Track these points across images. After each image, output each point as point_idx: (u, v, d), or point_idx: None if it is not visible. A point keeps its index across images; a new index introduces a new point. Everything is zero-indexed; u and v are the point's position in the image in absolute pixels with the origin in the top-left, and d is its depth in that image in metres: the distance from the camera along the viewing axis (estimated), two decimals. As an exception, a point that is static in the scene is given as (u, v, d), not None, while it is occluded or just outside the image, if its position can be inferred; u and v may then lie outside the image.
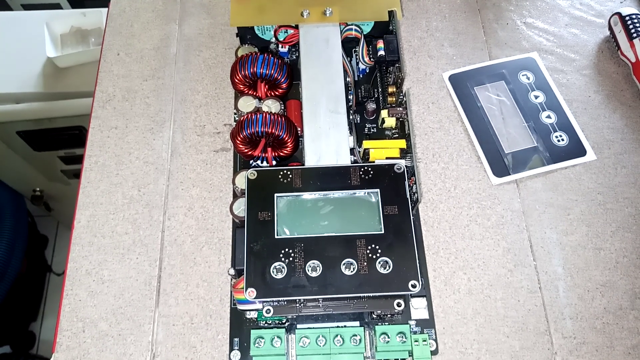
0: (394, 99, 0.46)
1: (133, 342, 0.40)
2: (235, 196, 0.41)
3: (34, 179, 0.96)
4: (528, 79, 0.49)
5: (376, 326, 0.38)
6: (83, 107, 0.78)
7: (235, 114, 0.46)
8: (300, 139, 0.44)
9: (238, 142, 0.42)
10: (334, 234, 0.37)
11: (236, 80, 0.45)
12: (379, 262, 0.36)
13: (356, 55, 0.48)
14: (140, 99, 0.49)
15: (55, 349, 0.40)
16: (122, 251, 0.43)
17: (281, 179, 0.39)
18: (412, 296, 0.40)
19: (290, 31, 0.48)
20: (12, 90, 0.78)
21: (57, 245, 1.01)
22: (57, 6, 0.96)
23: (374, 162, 0.43)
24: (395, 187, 0.39)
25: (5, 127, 0.81)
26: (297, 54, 0.49)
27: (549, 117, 0.47)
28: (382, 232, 0.37)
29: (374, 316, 0.39)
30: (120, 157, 0.47)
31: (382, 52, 0.46)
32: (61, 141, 0.87)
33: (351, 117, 0.45)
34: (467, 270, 0.42)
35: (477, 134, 0.47)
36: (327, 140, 0.43)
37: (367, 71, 0.48)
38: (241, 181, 0.41)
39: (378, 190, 0.39)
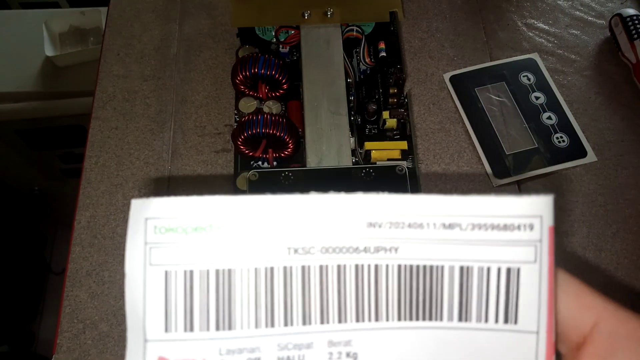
0: (395, 100, 0.46)
1: (134, 343, 0.40)
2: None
3: (33, 178, 0.96)
4: (529, 79, 0.49)
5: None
6: (82, 106, 0.78)
7: (236, 114, 0.46)
8: (301, 140, 0.44)
9: (239, 143, 0.42)
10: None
11: (237, 81, 0.45)
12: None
13: (357, 56, 0.48)
14: (141, 99, 0.49)
15: (55, 350, 0.40)
16: (123, 252, 0.42)
17: (282, 181, 0.39)
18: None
19: (291, 32, 0.48)
20: (11, 89, 0.78)
21: (56, 244, 1.01)
22: (56, 5, 0.96)
23: (375, 163, 0.43)
24: (397, 189, 0.39)
25: (3, 126, 0.81)
26: (298, 55, 0.48)
27: (549, 118, 0.47)
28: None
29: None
30: (121, 157, 0.46)
31: (383, 54, 0.46)
32: (60, 140, 0.87)
33: (352, 118, 0.45)
34: (468, 271, 0.42)
35: (477, 135, 0.47)
36: (328, 142, 0.43)
37: (368, 72, 0.48)
38: (242, 183, 0.41)
39: (380, 191, 0.39)
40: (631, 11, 0.51)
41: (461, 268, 0.16)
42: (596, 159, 0.46)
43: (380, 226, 0.16)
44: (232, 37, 0.52)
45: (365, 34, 0.48)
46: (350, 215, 0.16)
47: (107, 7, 0.55)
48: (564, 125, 0.47)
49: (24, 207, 0.97)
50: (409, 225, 0.16)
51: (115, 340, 0.40)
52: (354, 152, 0.43)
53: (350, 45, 0.48)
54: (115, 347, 0.40)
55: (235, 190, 0.42)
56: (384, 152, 0.43)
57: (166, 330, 0.16)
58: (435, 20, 0.53)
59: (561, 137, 0.47)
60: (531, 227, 0.16)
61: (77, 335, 0.40)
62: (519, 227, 0.16)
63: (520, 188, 0.45)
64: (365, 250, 0.16)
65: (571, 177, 0.46)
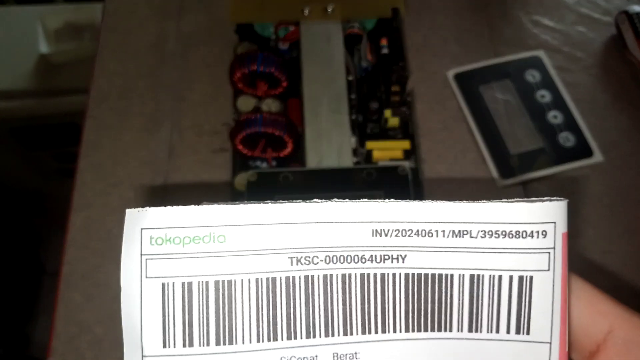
0: (398, 98, 0.45)
1: (129, 348, 0.39)
2: (235, 198, 0.40)
3: (27, 177, 0.95)
4: (534, 77, 0.48)
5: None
6: (77, 104, 0.76)
7: (234, 113, 0.45)
8: (301, 139, 0.43)
9: (237, 142, 0.41)
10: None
11: (235, 79, 0.43)
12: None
13: (358, 53, 0.47)
14: (137, 97, 0.48)
15: (50, 353, 0.39)
16: (118, 254, 0.41)
17: (282, 181, 0.38)
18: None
19: (291, 28, 0.47)
20: (4, 87, 0.77)
21: (51, 245, 1.00)
22: (51, 0, 0.95)
23: (377, 163, 0.42)
24: (399, 190, 0.38)
25: (-3, 124, 0.80)
26: (297, 52, 0.47)
27: (555, 117, 0.46)
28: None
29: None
30: (116, 157, 0.45)
31: (385, 51, 0.45)
32: (55, 139, 0.86)
33: (353, 116, 0.44)
34: (473, 274, 0.41)
35: (482, 135, 0.46)
36: (328, 141, 0.42)
37: (370, 69, 0.47)
38: (241, 183, 0.40)
39: (382, 192, 0.38)
40: (638, 8, 0.50)
41: (471, 277, 0.16)
42: (602, 159, 0.45)
43: (386, 234, 0.16)
44: (230, 33, 0.51)
45: (367, 30, 0.47)
46: (354, 224, 0.16)
47: (102, 3, 0.54)
48: (570, 125, 0.46)
49: (18, 207, 0.96)
50: (417, 233, 0.16)
51: (110, 344, 0.39)
52: (355, 152, 0.42)
53: (351, 42, 0.47)
54: (111, 351, 0.39)
55: (233, 191, 0.41)
56: (386, 151, 0.42)
57: (164, 345, 0.15)
58: (438, 16, 0.52)
59: (567, 136, 0.46)
60: (544, 234, 0.16)
61: (72, 338, 0.39)
62: (531, 235, 0.16)
63: (526, 188, 0.44)
64: (371, 259, 0.16)
65: (577, 178, 0.45)
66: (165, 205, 0.16)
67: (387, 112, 0.44)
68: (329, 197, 0.16)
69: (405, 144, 0.42)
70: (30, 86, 0.77)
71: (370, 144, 0.42)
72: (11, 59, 0.77)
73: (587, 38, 0.51)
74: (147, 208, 0.15)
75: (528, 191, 0.44)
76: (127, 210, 0.15)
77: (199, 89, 0.48)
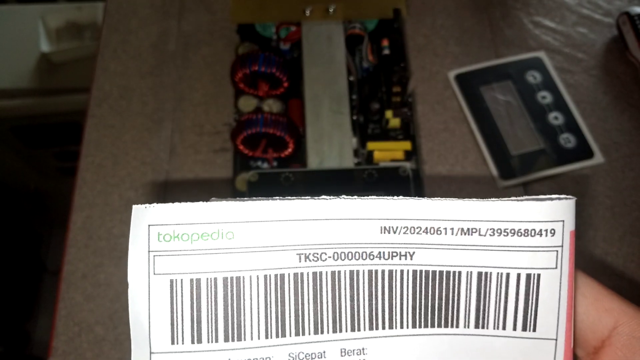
0: (399, 98, 0.45)
1: (130, 347, 0.39)
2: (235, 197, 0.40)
3: (29, 176, 0.95)
4: (535, 78, 0.48)
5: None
6: (78, 103, 0.77)
7: (235, 113, 0.45)
8: (301, 140, 0.43)
9: (238, 142, 0.41)
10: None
11: (236, 79, 0.43)
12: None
13: (360, 53, 0.47)
14: (138, 97, 0.48)
15: (51, 353, 0.39)
16: (119, 254, 0.42)
17: (283, 182, 0.38)
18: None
19: (292, 28, 0.47)
20: (6, 86, 0.77)
21: (52, 244, 1.00)
22: (52, -1, 0.95)
23: (378, 164, 0.42)
24: (400, 191, 0.38)
25: (-2, 123, 0.80)
26: (298, 52, 0.47)
27: (556, 118, 0.46)
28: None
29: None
30: (117, 157, 0.45)
31: (386, 51, 0.45)
32: (56, 138, 0.86)
33: (354, 117, 0.44)
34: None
35: (483, 136, 0.46)
36: (329, 142, 0.42)
37: (371, 70, 0.47)
38: (242, 184, 0.40)
39: (383, 193, 0.38)
40: (639, 9, 0.50)
41: (479, 274, 0.16)
42: (603, 161, 0.45)
43: (394, 231, 0.16)
44: (231, 33, 0.51)
45: (368, 31, 0.47)
46: (363, 220, 0.16)
47: (104, 2, 0.54)
48: (571, 126, 0.46)
49: (19, 206, 0.96)
50: (425, 231, 0.16)
51: (111, 343, 0.39)
52: (356, 153, 0.42)
53: (352, 43, 0.47)
54: (112, 350, 0.39)
55: (234, 191, 0.41)
56: (387, 152, 0.42)
57: (172, 342, 0.15)
58: (440, 17, 0.52)
59: (568, 137, 0.46)
60: (552, 232, 0.16)
61: (72, 338, 0.39)
62: (540, 233, 0.16)
63: (526, 190, 0.44)
64: (379, 256, 0.16)
65: (578, 179, 0.45)
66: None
67: (388, 113, 0.44)
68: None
69: (406, 145, 0.42)
70: (31, 85, 0.77)
71: (371, 145, 0.42)
72: (12, 57, 0.77)
73: (588, 39, 0.51)
74: (155, 204, 0.15)
75: (528, 192, 0.44)
76: (134, 207, 0.15)
77: (200, 88, 0.48)
